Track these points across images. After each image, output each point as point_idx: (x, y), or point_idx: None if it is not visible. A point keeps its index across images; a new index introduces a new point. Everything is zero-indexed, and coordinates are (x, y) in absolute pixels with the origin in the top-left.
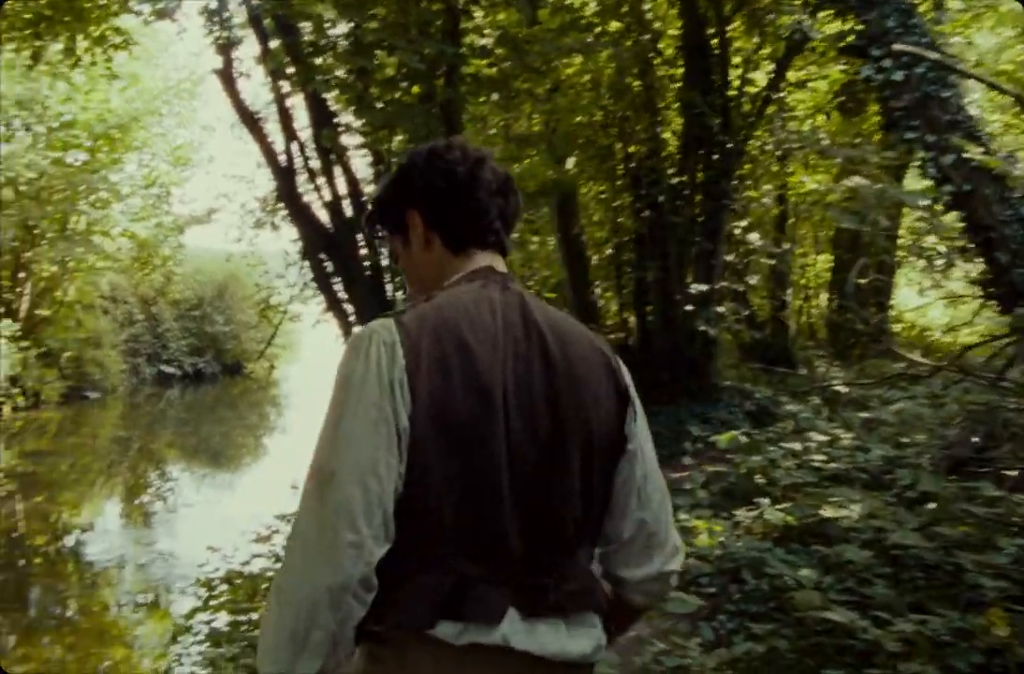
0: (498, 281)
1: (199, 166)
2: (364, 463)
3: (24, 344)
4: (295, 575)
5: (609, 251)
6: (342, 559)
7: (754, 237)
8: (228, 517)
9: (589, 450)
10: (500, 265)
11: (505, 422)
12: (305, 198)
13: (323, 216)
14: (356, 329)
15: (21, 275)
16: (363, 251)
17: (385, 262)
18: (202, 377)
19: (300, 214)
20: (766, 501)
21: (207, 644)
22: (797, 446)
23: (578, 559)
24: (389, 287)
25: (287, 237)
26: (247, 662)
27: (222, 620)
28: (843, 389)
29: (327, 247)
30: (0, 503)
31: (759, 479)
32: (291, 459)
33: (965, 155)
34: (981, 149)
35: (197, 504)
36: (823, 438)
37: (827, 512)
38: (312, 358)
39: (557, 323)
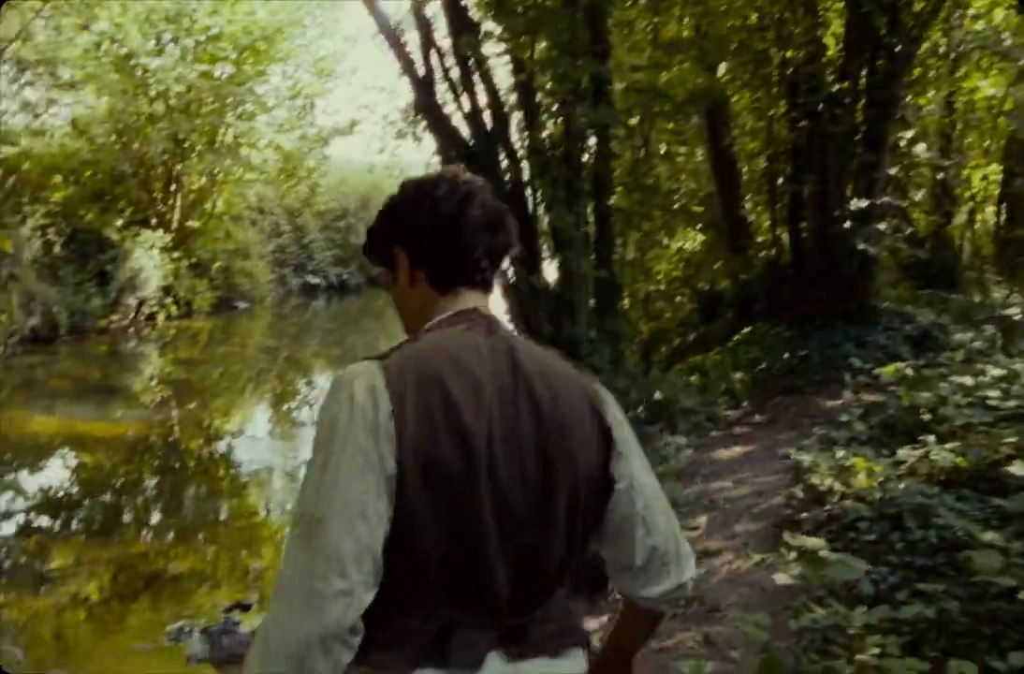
0: (483, 324)
1: (342, 77)
2: (353, 509)
3: (176, 255)
4: (284, 624)
5: (762, 163)
6: (332, 608)
7: (920, 148)
8: None
9: (576, 495)
10: (486, 305)
11: (491, 470)
12: (444, 109)
13: (463, 128)
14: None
15: (172, 188)
16: (504, 164)
17: (527, 176)
18: (346, 288)
19: (439, 126)
20: (932, 439)
21: None
22: (968, 380)
23: (559, 598)
24: (531, 202)
25: (429, 149)
26: None
27: None
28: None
29: (466, 160)
30: (156, 409)
31: (924, 415)
32: None
33: None
34: None
35: None
36: (998, 372)
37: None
38: None
39: (545, 366)
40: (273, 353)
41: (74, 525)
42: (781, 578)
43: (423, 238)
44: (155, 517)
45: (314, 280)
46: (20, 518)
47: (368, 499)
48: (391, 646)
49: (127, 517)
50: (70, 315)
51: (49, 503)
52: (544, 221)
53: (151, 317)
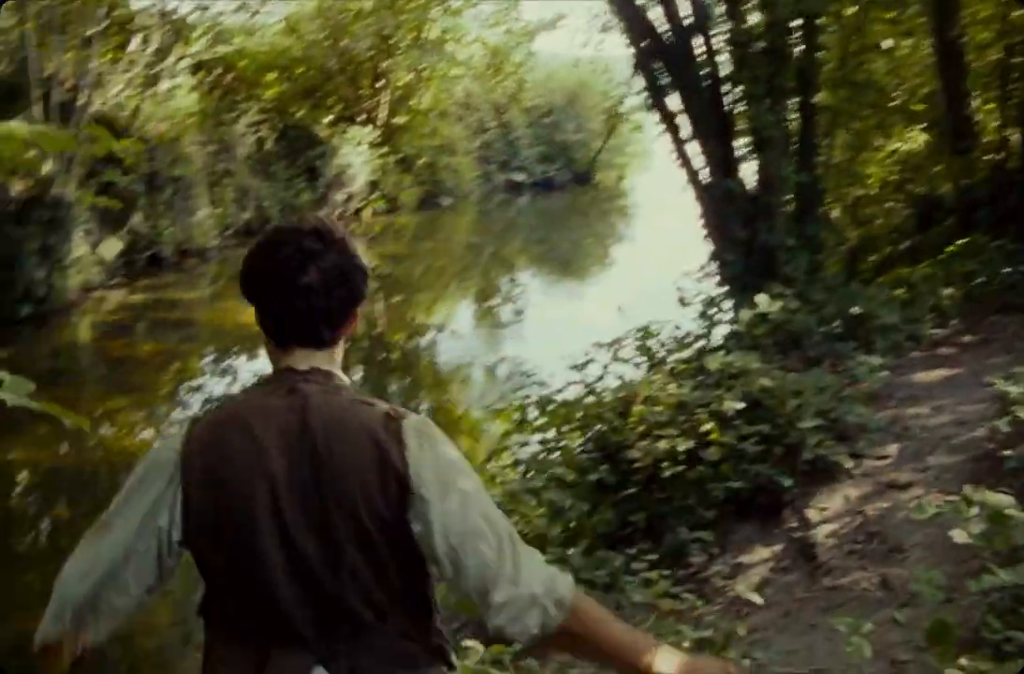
0: (288, 385)
1: None
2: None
3: (382, 151)
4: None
5: (994, 56)
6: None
7: None
8: (575, 325)
9: (365, 538)
10: (306, 362)
11: (277, 521)
12: (638, 1)
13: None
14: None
15: (379, 84)
16: (701, 58)
17: (725, 72)
18: (552, 185)
19: (633, 18)
20: None
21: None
22: None
23: (379, 630)
24: (728, 99)
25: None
26: (549, 497)
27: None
28: None
29: (661, 55)
30: (367, 299)
31: None
32: (636, 270)
33: None
34: None
35: (544, 310)
36: None
37: None
38: (662, 168)
39: (333, 420)
40: (477, 250)
41: None
42: (959, 535)
43: (262, 300)
44: None
45: (519, 177)
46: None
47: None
48: (223, 668)
49: None
50: (281, 209)
51: None
52: (743, 120)
53: (358, 212)
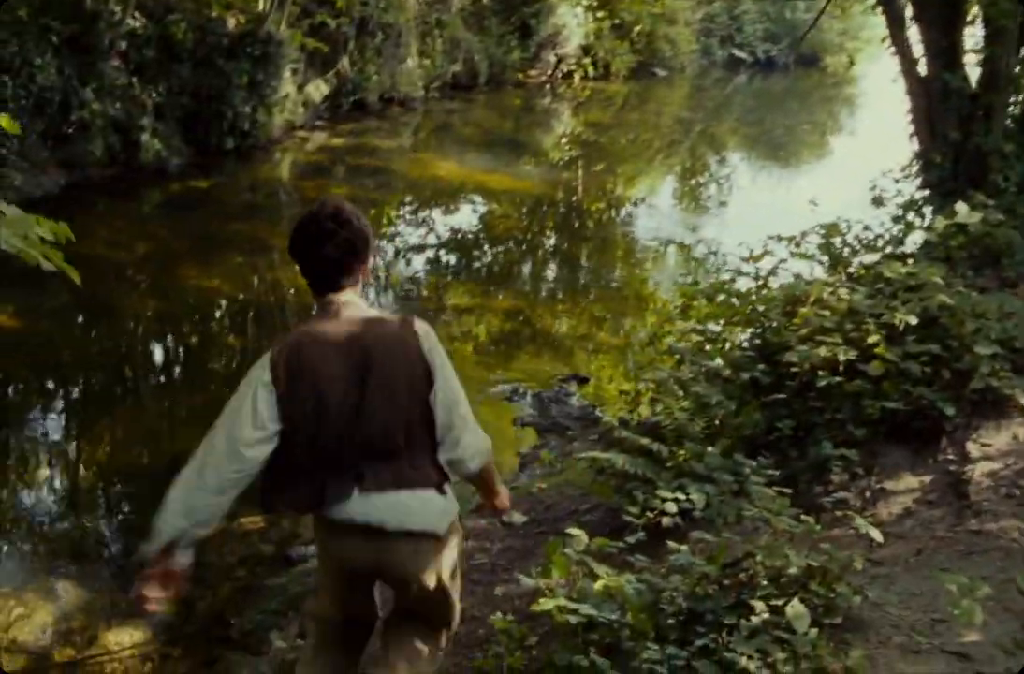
0: (332, 312)
1: None
2: (243, 419)
3: (599, 14)
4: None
5: None
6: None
7: None
8: (779, 213)
9: (403, 397)
10: (342, 297)
11: (339, 395)
12: None
13: None
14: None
15: None
16: None
17: None
18: (773, 65)
19: None
20: None
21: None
22: None
23: (402, 460)
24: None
25: None
26: (697, 390)
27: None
28: None
29: None
30: (562, 168)
31: None
32: (851, 162)
33: None
34: None
35: (750, 194)
36: None
37: None
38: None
39: (371, 330)
40: (687, 125)
41: (475, 268)
42: None
43: (301, 264)
44: (549, 273)
45: (740, 54)
46: (430, 253)
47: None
48: (290, 503)
49: (523, 268)
50: (490, 65)
51: (456, 244)
52: (975, 5)
53: (568, 75)
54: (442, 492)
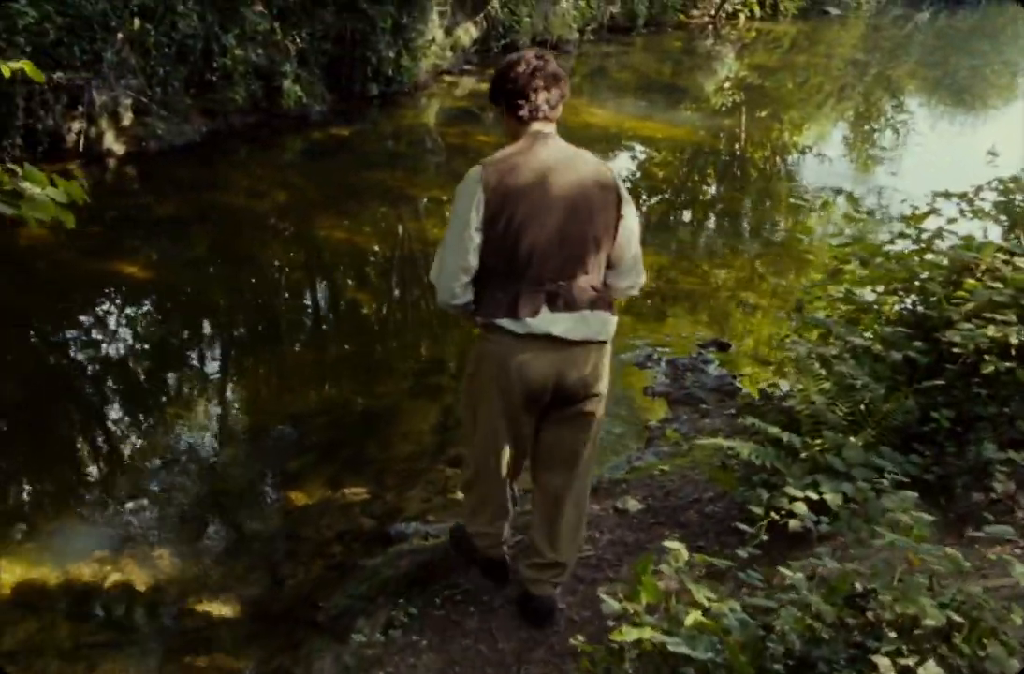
0: (540, 139)
1: None
2: (465, 234)
3: None
4: (448, 259)
5: None
6: (470, 260)
7: None
8: (961, 164)
9: (596, 226)
10: (548, 128)
11: (542, 214)
12: None
13: None
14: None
15: None
16: None
17: None
18: (962, 0)
19: None
20: None
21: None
22: None
23: (585, 282)
24: None
25: None
26: (841, 369)
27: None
28: None
29: None
30: (725, 114)
31: None
32: None
33: None
34: None
35: (930, 142)
36: None
37: None
38: None
39: (576, 159)
40: (860, 67)
41: (639, 213)
42: None
43: (512, 96)
44: (704, 226)
45: None
46: None
47: (468, 235)
48: (489, 308)
49: (676, 222)
50: (649, 6)
51: None
52: None
53: (732, 16)
54: (612, 312)
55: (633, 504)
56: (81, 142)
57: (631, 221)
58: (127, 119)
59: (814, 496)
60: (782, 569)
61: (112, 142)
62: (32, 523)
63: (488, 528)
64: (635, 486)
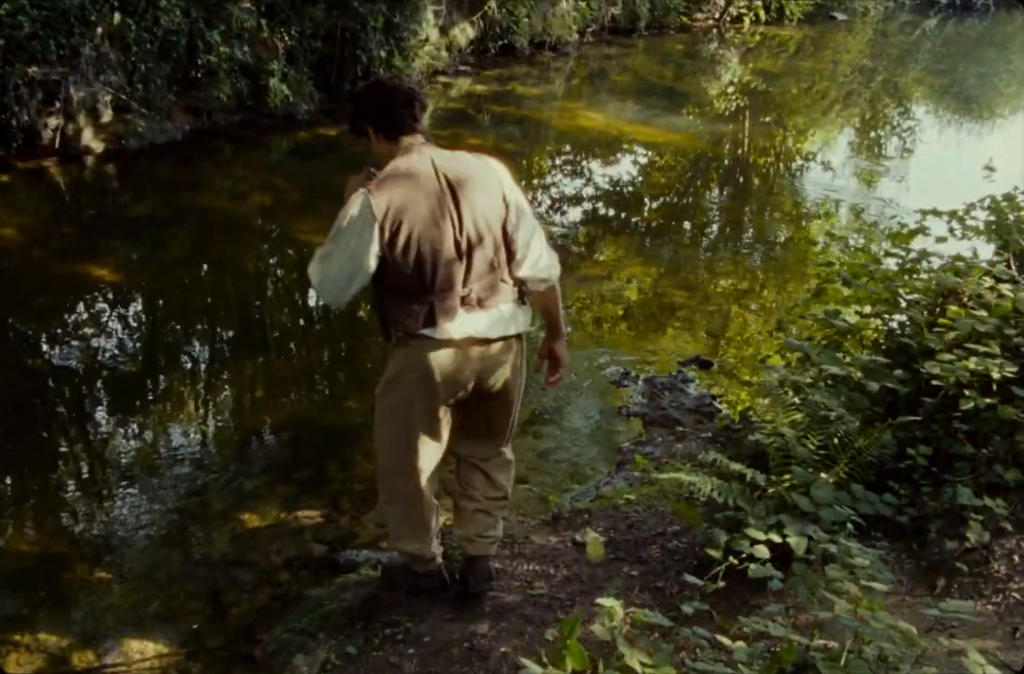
0: (415, 150)
1: None
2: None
3: None
4: (334, 270)
5: None
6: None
7: None
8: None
9: (489, 226)
10: (419, 139)
11: (443, 224)
12: None
13: None
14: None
15: None
16: None
17: None
18: (971, 7)
19: None
20: None
21: None
22: None
23: (494, 280)
24: None
25: None
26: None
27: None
28: None
29: None
30: (729, 118)
31: None
32: None
33: None
34: None
35: (936, 151)
36: None
37: None
38: None
39: (456, 161)
40: (867, 73)
41: (632, 222)
42: None
43: (379, 113)
44: (706, 233)
45: None
46: (587, 205)
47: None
48: (407, 322)
49: (677, 225)
50: (651, 8)
51: (612, 196)
52: None
53: (737, 19)
54: (523, 303)
55: (592, 536)
56: (57, 139)
57: (526, 213)
58: (106, 116)
59: (777, 539)
60: (722, 638)
61: (90, 139)
62: None
63: (415, 544)
64: (598, 516)
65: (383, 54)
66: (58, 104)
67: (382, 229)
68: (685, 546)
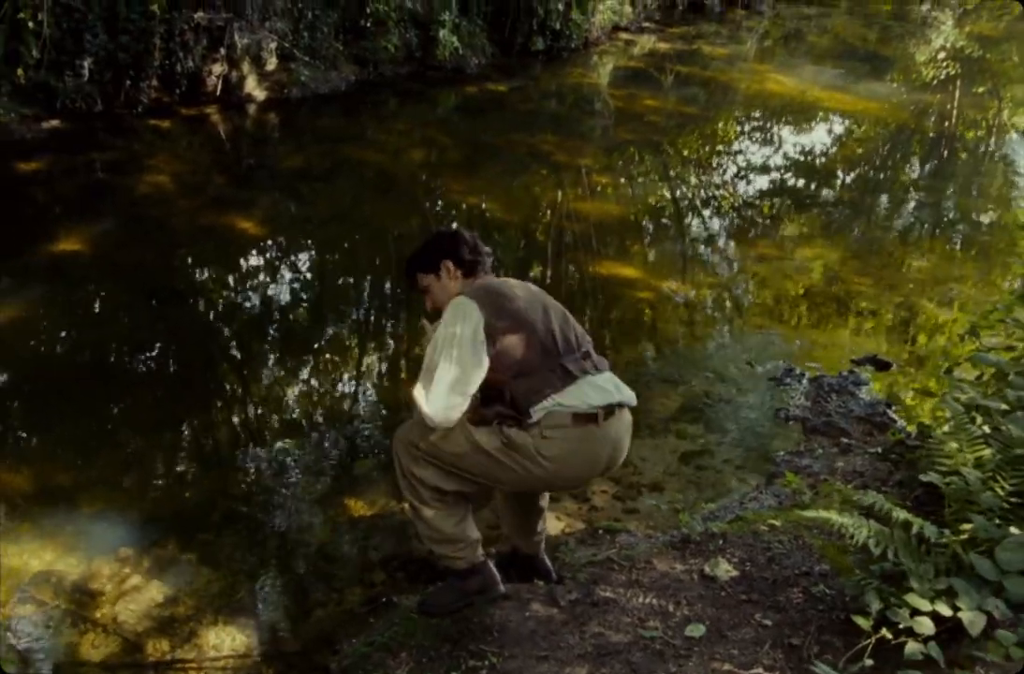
0: (491, 274)
1: None
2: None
3: None
4: (443, 393)
5: None
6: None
7: None
8: None
9: (569, 318)
10: (491, 276)
11: (539, 322)
12: None
13: None
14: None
15: None
16: None
17: None
18: None
19: None
20: None
21: None
22: None
23: (591, 356)
24: None
25: None
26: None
27: None
28: None
29: None
30: (937, 88)
31: None
32: None
33: None
34: None
35: None
36: None
37: None
38: None
39: (524, 282)
40: None
41: (821, 197)
42: None
43: (468, 260)
44: (898, 215)
45: None
46: (773, 175)
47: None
48: (537, 388)
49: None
50: None
51: (801, 168)
52: None
53: None
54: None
55: (725, 569)
56: (220, 86)
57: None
58: (270, 64)
59: (946, 611)
60: None
61: (253, 87)
62: (69, 510)
63: (455, 530)
64: (734, 543)
65: (561, 7)
66: (223, 51)
67: (487, 321)
68: (835, 593)
